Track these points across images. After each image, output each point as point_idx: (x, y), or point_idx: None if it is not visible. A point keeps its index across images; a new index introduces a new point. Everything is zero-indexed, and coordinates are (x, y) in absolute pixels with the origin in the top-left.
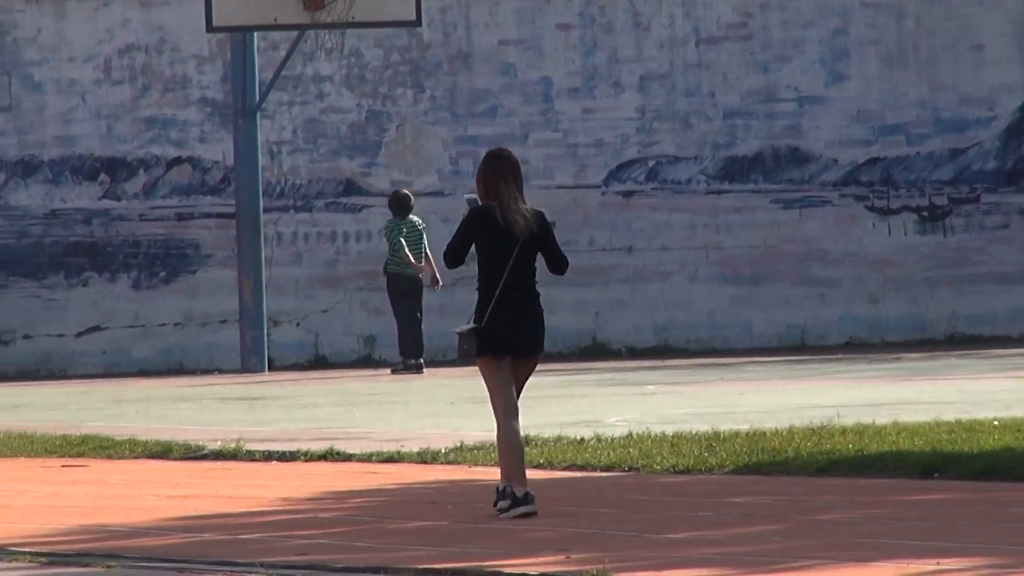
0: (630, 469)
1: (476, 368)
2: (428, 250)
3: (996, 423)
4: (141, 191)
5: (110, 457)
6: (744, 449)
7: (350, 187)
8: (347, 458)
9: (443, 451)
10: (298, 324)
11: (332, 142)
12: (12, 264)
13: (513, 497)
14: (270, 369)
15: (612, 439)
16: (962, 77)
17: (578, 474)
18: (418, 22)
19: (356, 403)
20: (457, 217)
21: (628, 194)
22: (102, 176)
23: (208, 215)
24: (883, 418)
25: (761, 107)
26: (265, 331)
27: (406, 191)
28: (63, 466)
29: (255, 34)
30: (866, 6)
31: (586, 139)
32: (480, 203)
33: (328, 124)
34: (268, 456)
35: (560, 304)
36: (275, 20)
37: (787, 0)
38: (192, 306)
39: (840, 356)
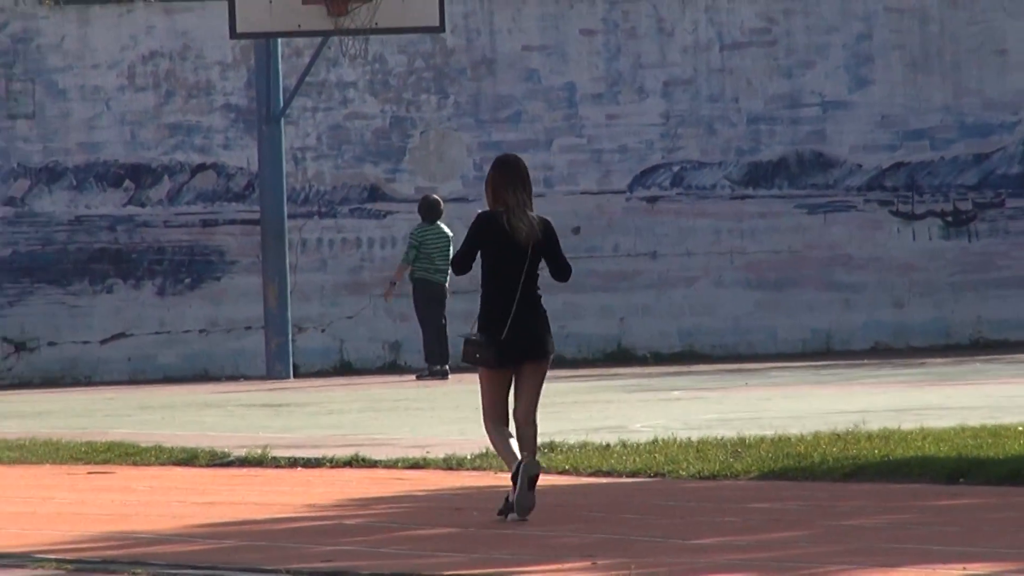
0: (656, 475)
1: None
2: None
3: (1022, 428)
4: (165, 197)
5: (136, 464)
6: (770, 455)
7: (374, 193)
8: (372, 464)
9: (469, 457)
10: (323, 330)
11: (356, 148)
12: (37, 271)
13: (506, 500)
14: (295, 375)
15: (638, 445)
16: (986, 82)
17: (604, 480)
18: (442, 28)
19: (381, 409)
20: None
21: (653, 200)
22: (126, 183)
23: (233, 221)
24: (908, 423)
25: (785, 112)
26: (290, 337)
27: (436, 197)
28: (89, 473)
29: (279, 40)
30: (890, 11)
31: (610, 145)
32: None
33: (352, 130)
34: (293, 463)
35: (585, 310)
36: (299, 26)
37: (811, 5)
38: (217, 313)
39: (865, 361)
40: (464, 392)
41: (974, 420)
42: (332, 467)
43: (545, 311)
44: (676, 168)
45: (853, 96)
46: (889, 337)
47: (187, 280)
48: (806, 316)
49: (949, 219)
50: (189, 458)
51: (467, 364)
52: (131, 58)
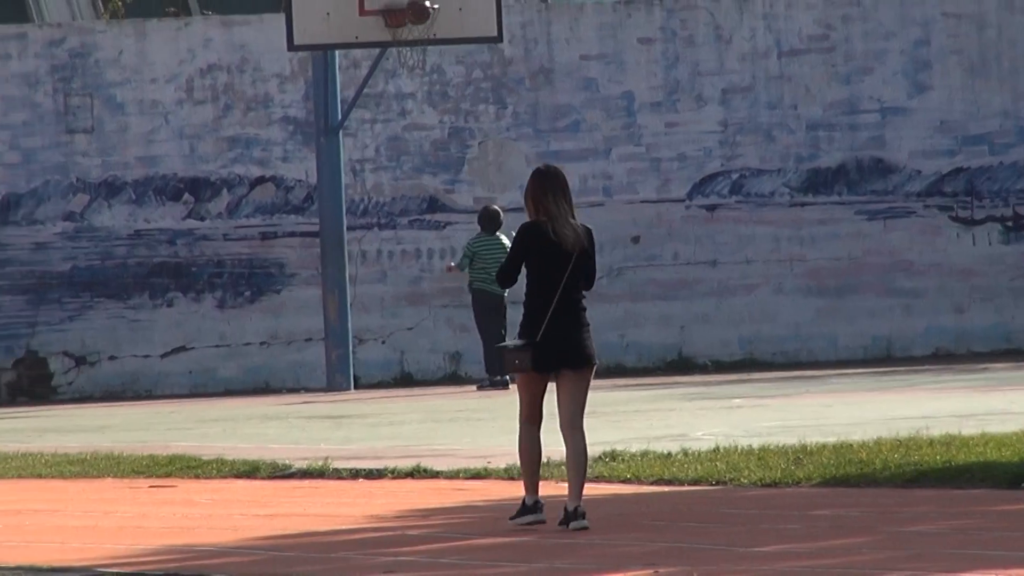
0: (717, 483)
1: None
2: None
3: None
4: (225, 211)
5: (197, 477)
6: (831, 461)
7: (433, 204)
8: (434, 475)
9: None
10: (383, 342)
11: (415, 159)
12: (97, 285)
13: (522, 504)
14: (356, 387)
15: (699, 453)
16: None
17: (665, 488)
18: (499, 38)
19: (442, 420)
20: None
21: (712, 207)
22: (186, 196)
23: (292, 234)
24: (970, 429)
25: (844, 119)
26: (350, 349)
27: (497, 207)
28: (151, 486)
29: (336, 52)
30: (948, 16)
31: (669, 153)
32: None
33: (411, 141)
34: (355, 474)
35: (645, 318)
36: (356, 38)
37: (869, 11)
38: (277, 325)
39: (926, 367)
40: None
41: None
42: (393, 478)
43: (588, 321)
44: (735, 176)
45: (912, 102)
46: (950, 343)
47: (247, 293)
48: (867, 322)
49: (1009, 224)
50: (250, 470)
51: (511, 374)
52: (189, 71)
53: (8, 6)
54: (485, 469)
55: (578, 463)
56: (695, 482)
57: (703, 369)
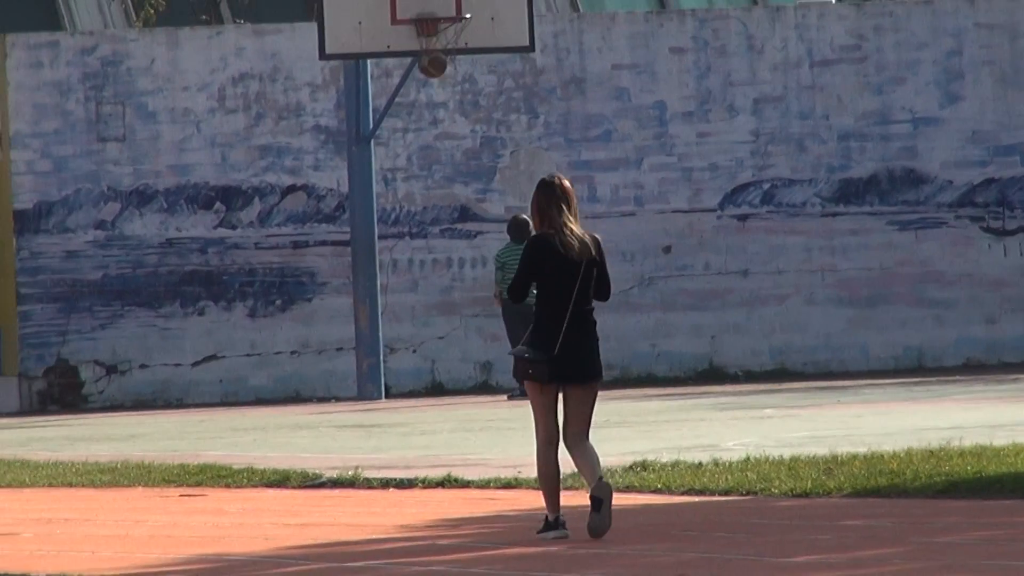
0: (748, 493)
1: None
2: None
3: None
4: (256, 219)
5: (228, 486)
6: (862, 472)
7: (465, 213)
8: (465, 485)
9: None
10: (414, 351)
11: (446, 168)
12: (128, 294)
13: (545, 521)
14: (387, 396)
15: (730, 463)
16: None
17: (696, 498)
18: (531, 48)
19: (473, 429)
20: None
21: (743, 217)
22: (217, 205)
23: (323, 243)
24: (1002, 439)
25: (876, 129)
26: (381, 358)
27: (526, 216)
28: (181, 495)
29: (368, 61)
30: (980, 27)
31: (701, 163)
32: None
33: (442, 150)
34: (386, 483)
35: (676, 328)
36: (388, 47)
37: (901, 21)
38: (308, 334)
39: (957, 377)
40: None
41: None
42: (424, 488)
43: (597, 334)
44: (767, 186)
45: (943, 112)
46: (981, 353)
47: (278, 302)
48: (898, 333)
49: None
50: (281, 480)
51: (518, 380)
52: (221, 80)
53: (40, 14)
54: (516, 479)
55: (592, 462)
56: (726, 492)
57: (734, 379)
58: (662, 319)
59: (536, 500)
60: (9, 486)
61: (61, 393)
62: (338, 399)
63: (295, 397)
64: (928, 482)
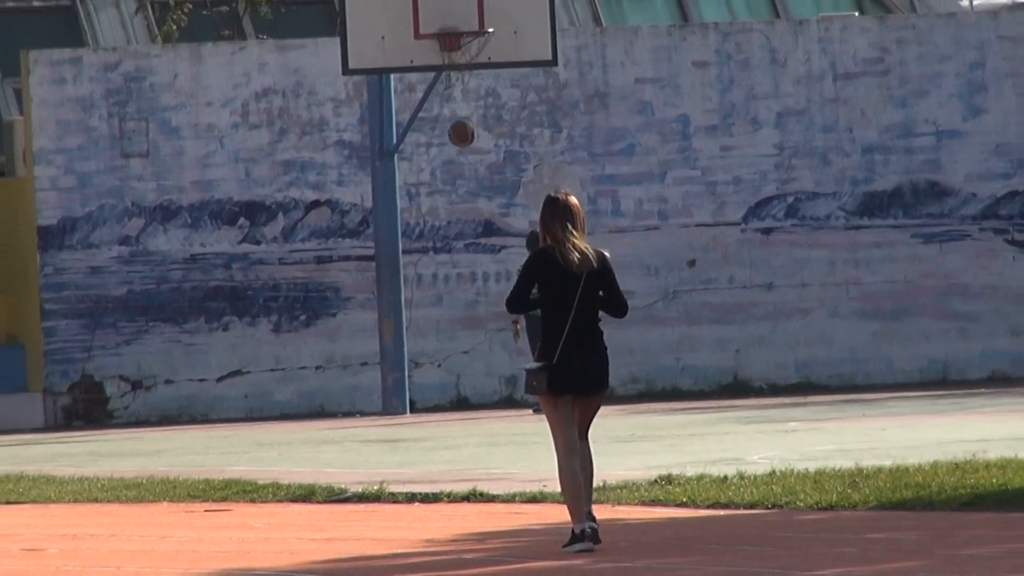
0: (773, 506)
1: (620, 408)
2: None
3: None
4: (280, 234)
5: (253, 501)
6: (887, 485)
7: (489, 228)
8: (490, 499)
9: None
10: (439, 365)
11: (470, 183)
12: (153, 309)
13: (571, 534)
14: (411, 411)
15: (755, 476)
16: None
17: (721, 512)
18: (554, 62)
19: (498, 444)
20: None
21: (767, 231)
22: (241, 220)
23: (347, 258)
24: None
25: (899, 142)
26: (406, 373)
27: None
28: (206, 511)
29: (391, 76)
30: (1003, 39)
31: (724, 176)
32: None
33: (466, 165)
34: (411, 498)
35: (701, 342)
36: (411, 62)
37: (924, 34)
38: (333, 349)
39: (982, 390)
40: None
41: None
42: (449, 502)
43: (604, 345)
44: (790, 199)
45: (967, 125)
46: (1006, 366)
47: (302, 317)
48: (922, 346)
49: None
50: (306, 495)
51: (530, 394)
52: (244, 95)
53: (63, 30)
54: (541, 493)
55: (578, 485)
56: (751, 506)
57: (759, 392)
58: (687, 333)
59: (561, 514)
60: (35, 502)
61: (86, 409)
62: (363, 414)
63: (320, 412)
64: (953, 495)
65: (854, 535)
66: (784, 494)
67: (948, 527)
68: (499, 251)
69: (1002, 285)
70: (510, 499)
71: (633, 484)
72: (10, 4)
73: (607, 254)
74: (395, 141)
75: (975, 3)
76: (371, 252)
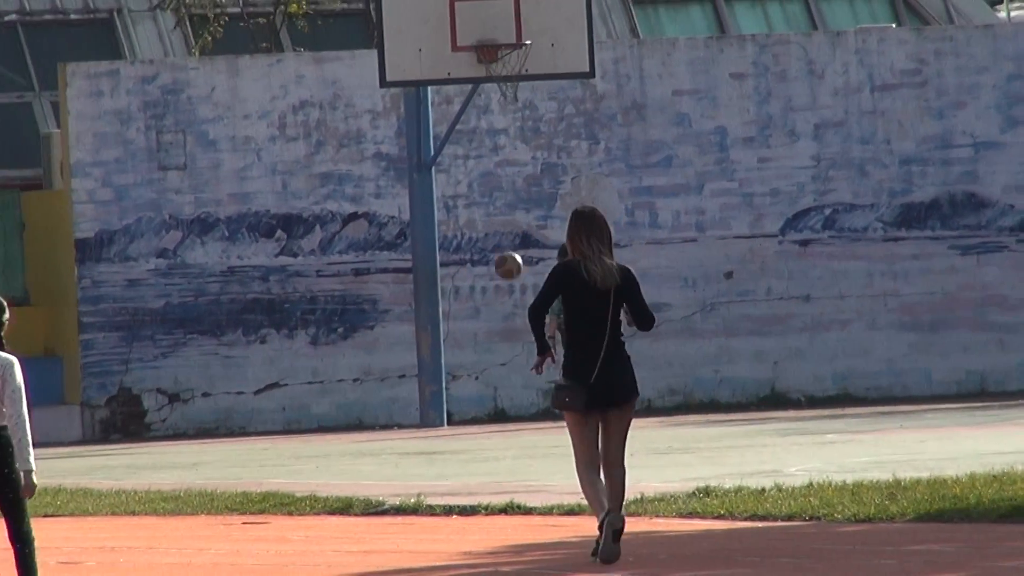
0: (811, 518)
1: (657, 420)
2: None
3: None
4: (318, 247)
5: (291, 514)
6: (925, 497)
7: (526, 240)
8: (528, 511)
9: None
10: (477, 378)
11: (508, 195)
12: (190, 322)
13: (596, 543)
14: (449, 423)
15: (792, 488)
16: None
17: (759, 524)
18: (592, 74)
19: (536, 456)
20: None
21: (805, 243)
22: (278, 233)
23: (385, 270)
24: None
25: (937, 153)
26: (444, 385)
27: None
28: (244, 523)
29: (429, 88)
30: None
31: (762, 188)
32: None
33: (503, 177)
34: (448, 510)
35: (739, 354)
36: (448, 74)
37: (961, 46)
38: (370, 361)
39: (1020, 402)
40: None
41: None
42: (487, 514)
43: (628, 356)
44: (828, 211)
45: (1005, 136)
46: None
47: (340, 329)
48: (960, 357)
49: None
50: (344, 507)
51: (558, 410)
52: (281, 108)
53: (100, 43)
54: (579, 505)
55: (616, 494)
56: (789, 518)
57: (796, 404)
58: (724, 345)
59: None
60: (72, 515)
61: (124, 422)
62: (400, 426)
63: (357, 424)
64: (991, 507)
65: (892, 547)
66: (822, 506)
67: (986, 539)
68: (536, 263)
69: None
70: (548, 511)
71: (671, 496)
72: (48, 17)
73: (630, 268)
74: (432, 153)
75: (1012, 14)
76: (408, 264)
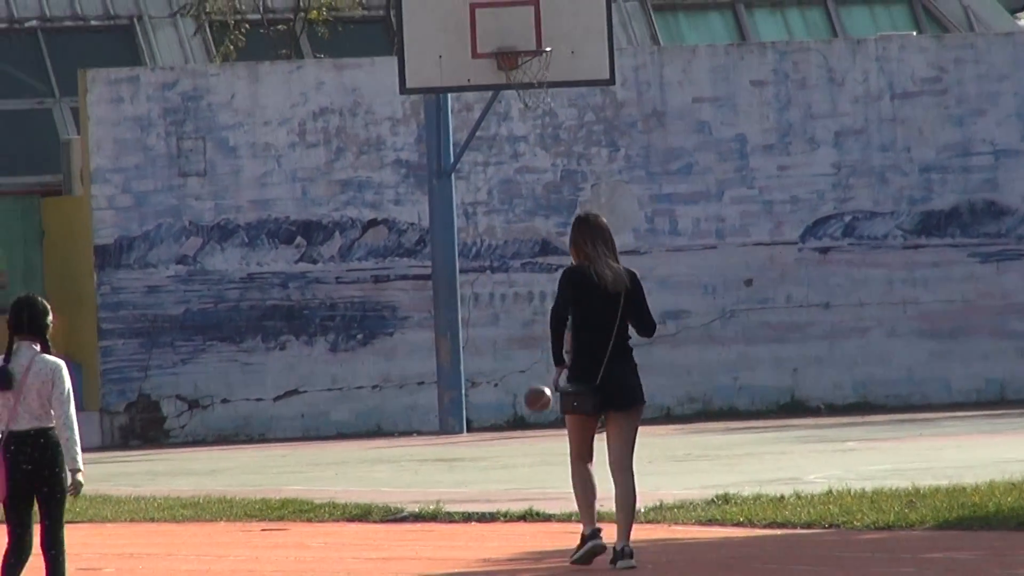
0: (830, 526)
1: (676, 427)
2: None
3: None
4: (337, 254)
5: (310, 520)
6: (944, 504)
7: (546, 247)
8: (546, 518)
9: (642, 510)
10: (496, 385)
11: (527, 202)
12: (210, 328)
13: (581, 538)
14: (468, 430)
15: (812, 496)
16: None
17: (778, 531)
18: (612, 81)
19: (555, 463)
20: (655, 276)
21: (825, 250)
22: (298, 239)
23: (404, 277)
24: None
25: (957, 161)
26: (463, 392)
27: None
28: (263, 530)
29: (449, 95)
30: None
31: (782, 195)
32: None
33: (523, 184)
34: (467, 517)
35: (758, 361)
36: (469, 81)
37: (981, 53)
38: (390, 368)
39: None
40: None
41: None
42: (506, 521)
43: (635, 363)
44: (848, 218)
45: None
46: None
47: (359, 336)
48: (980, 365)
49: None
50: (363, 514)
51: (565, 415)
52: (301, 115)
53: (121, 49)
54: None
55: (627, 504)
56: (808, 525)
57: (816, 412)
58: (744, 352)
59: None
60: (91, 521)
61: (143, 428)
62: (419, 433)
63: (376, 431)
64: (1011, 515)
65: (911, 555)
66: (841, 514)
67: (1006, 547)
68: (556, 270)
69: None
70: (566, 518)
71: (690, 503)
72: (68, 23)
73: (636, 272)
74: (452, 160)
75: None
76: (428, 271)
